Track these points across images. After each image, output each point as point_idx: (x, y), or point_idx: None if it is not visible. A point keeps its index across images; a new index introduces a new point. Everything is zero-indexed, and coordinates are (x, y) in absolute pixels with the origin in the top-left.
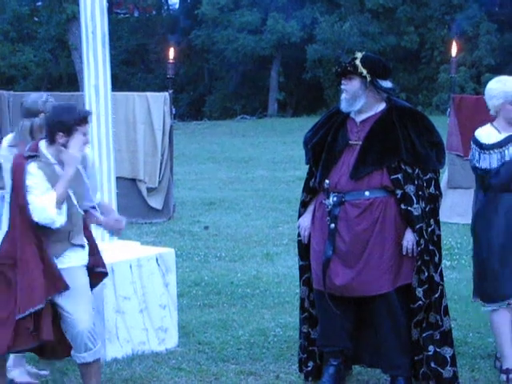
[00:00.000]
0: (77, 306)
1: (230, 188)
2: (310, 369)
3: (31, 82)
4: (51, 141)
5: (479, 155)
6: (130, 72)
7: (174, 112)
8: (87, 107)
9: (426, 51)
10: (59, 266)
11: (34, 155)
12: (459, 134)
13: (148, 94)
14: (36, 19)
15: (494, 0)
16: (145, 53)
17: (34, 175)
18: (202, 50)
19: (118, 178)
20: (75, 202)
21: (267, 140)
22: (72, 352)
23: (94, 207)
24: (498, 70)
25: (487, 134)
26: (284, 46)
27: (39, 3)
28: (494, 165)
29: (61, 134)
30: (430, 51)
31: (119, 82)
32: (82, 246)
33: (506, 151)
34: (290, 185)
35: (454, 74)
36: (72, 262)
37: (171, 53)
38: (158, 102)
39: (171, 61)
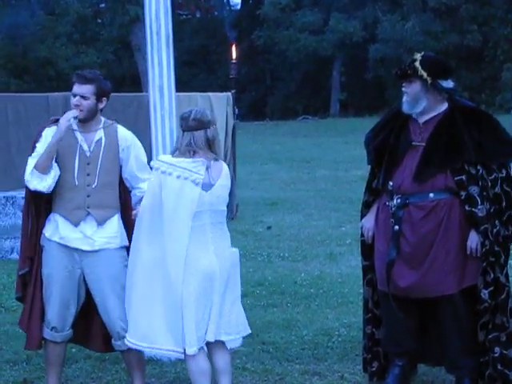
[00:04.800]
0: (107, 293)
1: (292, 188)
2: (374, 369)
3: None
4: None
5: None
6: (192, 73)
7: (236, 112)
8: (151, 108)
9: (489, 50)
10: (89, 248)
11: (58, 120)
12: None
13: (211, 94)
14: (99, 21)
15: None
16: (206, 53)
17: (43, 138)
18: (263, 50)
19: None
20: (95, 174)
21: (329, 140)
22: (112, 340)
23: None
24: None
25: None
26: (346, 46)
27: (102, 5)
28: None
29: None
30: (493, 50)
31: (181, 83)
32: (106, 224)
33: None
34: (353, 185)
35: None
36: (102, 242)
37: (234, 53)
38: (220, 103)
39: (234, 61)
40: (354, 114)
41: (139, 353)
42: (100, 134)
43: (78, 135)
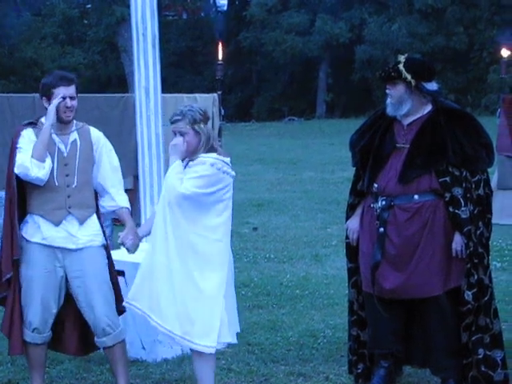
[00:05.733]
0: (93, 290)
1: (279, 189)
2: (360, 371)
3: (81, 83)
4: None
5: None
6: (178, 74)
7: (222, 113)
8: (137, 109)
9: (475, 52)
10: (73, 246)
11: (32, 123)
12: (509, 135)
13: (197, 95)
14: (85, 22)
15: None
16: (193, 55)
17: (25, 137)
18: (250, 51)
19: None
20: (73, 174)
21: (315, 141)
22: (95, 338)
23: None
24: None
25: None
26: (332, 47)
27: (89, 6)
28: None
29: (44, 98)
30: (479, 52)
31: (168, 84)
32: (86, 223)
33: None
34: (339, 186)
35: (504, 75)
36: (85, 240)
37: (220, 54)
38: (207, 104)
39: (220, 62)
40: (340, 116)
41: (123, 349)
42: (74, 135)
43: (55, 137)
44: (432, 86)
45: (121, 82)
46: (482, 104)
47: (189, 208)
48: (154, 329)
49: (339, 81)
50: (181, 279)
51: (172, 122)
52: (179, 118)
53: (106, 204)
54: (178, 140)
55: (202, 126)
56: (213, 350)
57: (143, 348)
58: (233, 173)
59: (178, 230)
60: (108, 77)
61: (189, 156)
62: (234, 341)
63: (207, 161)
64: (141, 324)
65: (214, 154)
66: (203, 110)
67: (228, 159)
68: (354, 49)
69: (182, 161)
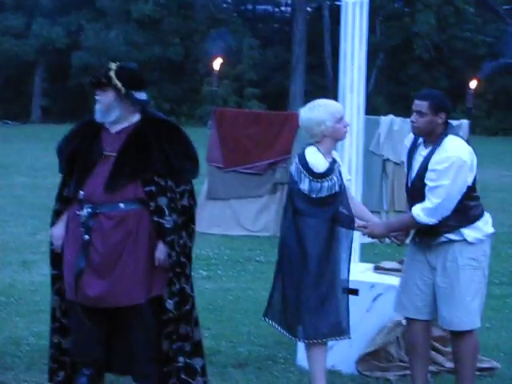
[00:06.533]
0: None
1: None
2: (60, 379)
3: None
4: None
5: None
6: None
7: None
8: None
9: (190, 63)
10: None
11: None
12: (220, 147)
13: None
14: None
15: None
16: None
17: None
18: None
19: None
20: None
21: (29, 146)
22: None
23: None
24: (259, 85)
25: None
26: (49, 52)
27: None
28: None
29: None
30: (194, 63)
31: None
32: None
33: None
34: (51, 192)
35: (215, 87)
36: None
37: None
38: None
39: None
40: (55, 121)
41: None
42: None
43: None
44: (141, 95)
45: None
46: (196, 115)
47: None
48: None
49: (56, 86)
50: None
51: None
52: None
53: None
54: None
55: None
56: None
57: None
58: None
59: None
60: None
61: None
62: None
63: None
64: None
65: None
66: None
67: None
68: (70, 54)
69: None
